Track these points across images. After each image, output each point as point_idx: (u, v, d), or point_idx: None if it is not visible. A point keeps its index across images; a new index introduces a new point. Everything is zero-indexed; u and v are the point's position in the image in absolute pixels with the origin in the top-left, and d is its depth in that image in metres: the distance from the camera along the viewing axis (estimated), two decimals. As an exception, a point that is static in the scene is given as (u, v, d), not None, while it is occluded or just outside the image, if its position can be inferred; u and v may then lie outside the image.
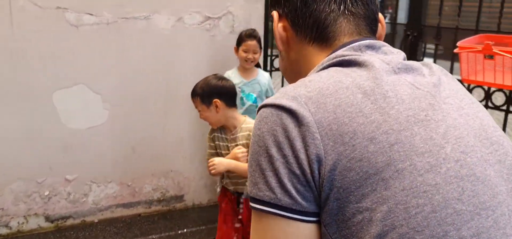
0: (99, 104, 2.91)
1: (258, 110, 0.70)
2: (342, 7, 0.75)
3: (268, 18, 3.43)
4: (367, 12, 0.77)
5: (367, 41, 0.74)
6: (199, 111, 2.21)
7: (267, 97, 3.08)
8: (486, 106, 2.48)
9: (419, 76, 0.71)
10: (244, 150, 2.10)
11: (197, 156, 3.31)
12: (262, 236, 0.66)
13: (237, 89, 2.99)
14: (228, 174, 2.22)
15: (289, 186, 0.63)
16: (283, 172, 0.63)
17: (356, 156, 0.60)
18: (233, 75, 3.00)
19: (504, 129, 2.53)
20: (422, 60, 2.87)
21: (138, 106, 3.03)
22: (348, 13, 0.75)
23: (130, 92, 2.98)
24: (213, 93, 2.13)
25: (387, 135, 0.61)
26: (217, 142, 2.27)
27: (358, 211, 0.60)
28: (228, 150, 2.19)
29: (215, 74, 2.25)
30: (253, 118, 3.02)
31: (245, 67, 3.00)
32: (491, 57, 2.17)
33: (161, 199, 3.27)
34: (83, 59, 2.82)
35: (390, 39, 3.00)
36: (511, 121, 2.72)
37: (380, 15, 0.83)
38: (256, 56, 2.99)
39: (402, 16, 10.41)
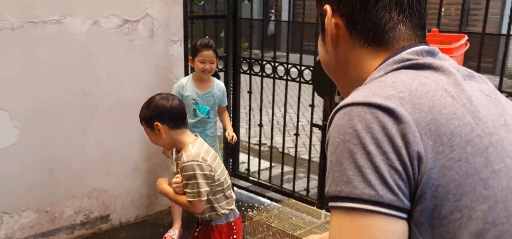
0: (7, 122, 2.52)
1: (338, 110, 0.67)
2: (401, 16, 0.75)
3: (187, 21, 3.32)
4: (421, 22, 0.77)
5: (426, 47, 0.75)
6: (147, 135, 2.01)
7: (221, 105, 3.00)
8: None
9: (483, 84, 0.75)
10: (179, 180, 1.93)
11: (122, 171, 3.05)
12: (355, 238, 0.61)
13: (191, 101, 2.85)
14: None
15: (391, 182, 0.61)
16: (384, 168, 0.61)
17: (455, 156, 0.62)
18: (187, 85, 2.86)
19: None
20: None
21: (53, 122, 2.69)
22: (406, 20, 0.76)
23: (43, 107, 2.64)
24: (153, 116, 1.92)
25: (481, 137, 0.64)
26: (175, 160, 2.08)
27: (456, 209, 0.61)
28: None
29: (160, 94, 2.00)
30: (204, 129, 2.91)
31: (202, 78, 2.89)
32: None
33: (85, 221, 2.95)
34: (-16, 72, 2.42)
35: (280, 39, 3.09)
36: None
37: None
38: (213, 66, 2.90)
39: (284, 16, 10.92)
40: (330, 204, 0.64)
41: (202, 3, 3.68)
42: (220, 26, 3.69)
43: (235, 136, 3.04)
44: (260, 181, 3.70)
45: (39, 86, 2.60)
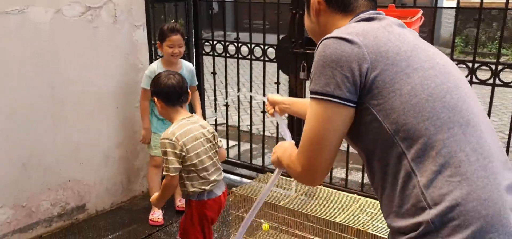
0: (-25, 118, 2.44)
1: (321, 42, 1.09)
2: None
3: (148, 5, 3.31)
4: None
5: (375, 11, 1.19)
6: None
7: (191, 85, 3.03)
8: None
9: (411, 31, 1.18)
10: None
11: (94, 160, 3.04)
12: (321, 114, 1.06)
13: None
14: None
15: (341, 85, 1.04)
16: (338, 76, 1.04)
17: (389, 63, 1.04)
18: (158, 69, 2.86)
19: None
20: (308, 34, 3.16)
21: (22, 116, 2.63)
22: None
23: (10, 101, 2.57)
24: (153, 91, 2.17)
25: (405, 51, 1.07)
26: None
27: (392, 91, 1.03)
28: None
29: (166, 71, 2.23)
30: None
31: (171, 61, 2.93)
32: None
33: (62, 213, 2.92)
34: None
35: (274, 17, 3.21)
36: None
37: None
38: (182, 49, 2.94)
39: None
40: (311, 96, 1.09)
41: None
42: (180, 9, 3.70)
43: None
44: (229, 160, 3.79)
45: (4, 80, 2.53)
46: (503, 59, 8.40)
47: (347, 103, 1.04)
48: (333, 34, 1.07)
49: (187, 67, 3.07)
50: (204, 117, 3.75)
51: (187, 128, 2.09)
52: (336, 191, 2.80)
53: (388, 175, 1.06)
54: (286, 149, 1.31)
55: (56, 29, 2.72)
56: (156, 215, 3.02)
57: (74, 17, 2.81)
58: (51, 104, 2.75)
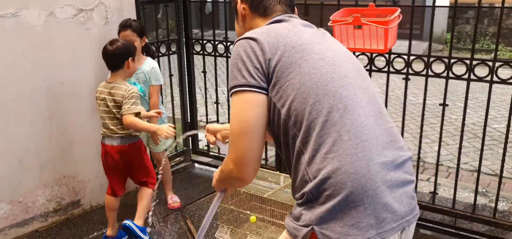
0: (-27, 118, 2.54)
1: (235, 43, 1.29)
2: (278, 0, 1.42)
3: (139, 6, 3.41)
4: (291, 3, 1.46)
5: (289, 15, 1.41)
6: None
7: (150, 83, 3.07)
8: (370, 69, 2.88)
9: (316, 30, 1.38)
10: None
11: (88, 156, 3.15)
12: (241, 104, 1.22)
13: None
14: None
15: (254, 74, 1.22)
16: (250, 68, 1.22)
17: (285, 55, 1.23)
18: None
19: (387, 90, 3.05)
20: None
21: (18, 115, 2.74)
22: (282, 3, 1.43)
23: (7, 100, 2.68)
24: None
25: (300, 45, 1.25)
26: None
27: (287, 80, 1.21)
28: None
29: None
30: (147, 110, 2.99)
31: None
32: (359, 27, 2.64)
33: (57, 208, 3.03)
34: None
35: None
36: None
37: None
38: (136, 44, 2.98)
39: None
40: (230, 92, 1.25)
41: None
42: (171, 9, 3.80)
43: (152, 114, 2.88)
44: (220, 155, 3.91)
45: (1, 79, 2.64)
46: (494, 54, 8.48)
47: (261, 91, 1.22)
48: (243, 36, 1.28)
49: (149, 63, 3.06)
50: (196, 116, 3.87)
51: (98, 88, 2.69)
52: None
53: (289, 156, 1.25)
54: (220, 169, 1.40)
55: (49, 31, 2.83)
56: (175, 199, 3.29)
57: (66, 19, 2.92)
58: (45, 103, 2.86)
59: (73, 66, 2.99)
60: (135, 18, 3.38)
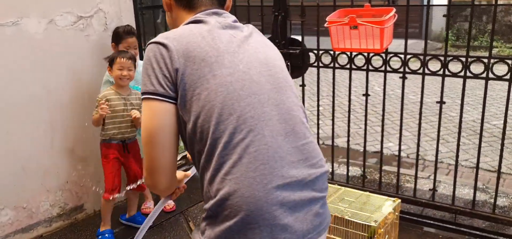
0: (-24, 126, 2.58)
1: (147, 45, 1.23)
2: None
3: (138, 12, 3.45)
4: None
5: (215, 10, 1.32)
6: None
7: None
8: (367, 69, 2.92)
9: (238, 31, 1.30)
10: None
11: (90, 162, 3.19)
12: (149, 112, 1.19)
13: None
14: (119, 126, 2.84)
15: (163, 83, 1.18)
16: (159, 76, 1.18)
17: (194, 67, 1.18)
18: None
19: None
20: (290, 34, 3.29)
21: (20, 121, 2.78)
22: None
23: (8, 107, 2.72)
24: None
25: (210, 57, 1.19)
26: None
27: (194, 94, 1.17)
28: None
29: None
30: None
31: None
32: (355, 27, 2.67)
33: (61, 213, 3.07)
34: None
35: (259, 19, 3.34)
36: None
37: None
38: (137, 51, 3.05)
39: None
40: (142, 98, 1.20)
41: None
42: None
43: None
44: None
45: (2, 87, 2.68)
46: (493, 51, 8.50)
47: (169, 100, 1.18)
48: (154, 39, 1.23)
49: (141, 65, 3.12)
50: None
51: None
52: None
53: (198, 167, 1.23)
54: None
55: (49, 38, 2.87)
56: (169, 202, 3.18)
57: (66, 26, 2.96)
58: (47, 109, 2.90)
59: (74, 72, 3.03)
60: (135, 24, 3.42)
